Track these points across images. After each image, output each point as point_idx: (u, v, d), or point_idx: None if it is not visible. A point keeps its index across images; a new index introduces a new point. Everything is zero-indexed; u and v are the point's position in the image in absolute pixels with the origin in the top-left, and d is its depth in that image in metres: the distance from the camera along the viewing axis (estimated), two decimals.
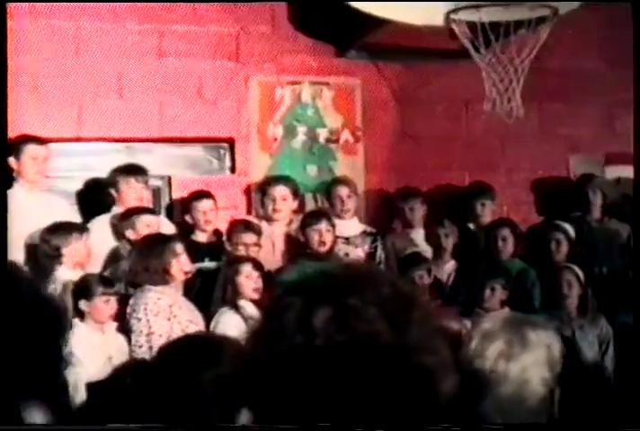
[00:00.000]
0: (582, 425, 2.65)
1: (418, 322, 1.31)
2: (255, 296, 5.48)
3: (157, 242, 5.45)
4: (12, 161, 5.87)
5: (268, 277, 5.75)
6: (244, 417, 2.64)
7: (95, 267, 5.70)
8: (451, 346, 1.41)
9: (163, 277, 5.30)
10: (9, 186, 5.86)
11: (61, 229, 5.52)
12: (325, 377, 1.27)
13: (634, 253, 5.86)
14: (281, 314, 1.32)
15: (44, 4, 6.45)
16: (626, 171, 7.11)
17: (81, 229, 5.62)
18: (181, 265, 5.39)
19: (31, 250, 5.58)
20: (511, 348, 2.31)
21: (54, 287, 5.23)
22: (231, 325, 5.34)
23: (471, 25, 5.98)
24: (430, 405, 1.32)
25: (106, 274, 5.56)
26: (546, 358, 2.33)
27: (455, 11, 5.96)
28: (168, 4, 6.67)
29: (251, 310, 5.44)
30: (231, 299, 5.49)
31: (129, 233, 5.77)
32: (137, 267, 5.38)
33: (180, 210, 6.51)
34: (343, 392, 1.27)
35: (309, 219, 6.17)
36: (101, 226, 5.93)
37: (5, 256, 4.66)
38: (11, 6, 6.33)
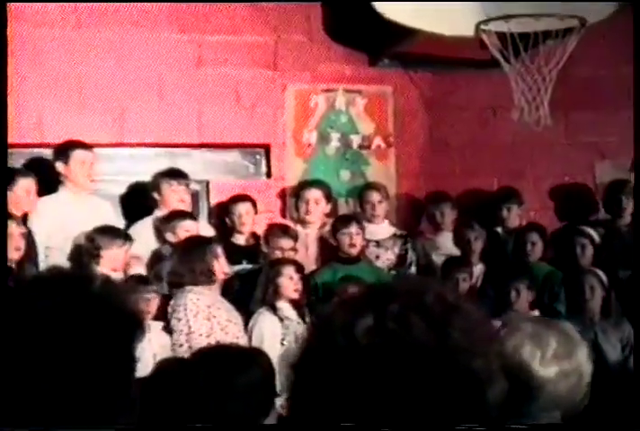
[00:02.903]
0: (604, 424, 2.66)
1: (463, 327, 1.30)
2: (295, 297, 5.55)
3: (199, 245, 5.51)
4: (59, 165, 5.97)
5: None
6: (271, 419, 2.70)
7: (136, 268, 5.74)
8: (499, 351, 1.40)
9: (209, 278, 5.36)
10: (54, 189, 6.00)
11: (108, 232, 5.61)
12: (369, 381, 1.26)
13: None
14: (328, 323, 1.32)
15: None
16: None
17: (126, 237, 5.68)
18: (221, 266, 5.44)
19: (76, 249, 5.67)
20: (567, 346, 2.33)
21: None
22: (268, 325, 5.46)
23: (500, 35, 5.98)
24: (477, 411, 1.30)
25: (145, 274, 5.64)
26: (589, 353, 2.37)
27: (485, 22, 5.95)
28: (206, 14, 6.73)
29: (288, 311, 5.53)
30: (270, 300, 5.54)
31: (169, 236, 5.84)
32: (181, 269, 5.42)
33: (218, 213, 6.58)
34: (388, 396, 1.26)
35: (339, 223, 6.20)
36: (143, 229, 6.01)
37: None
38: (58, 17, 6.45)
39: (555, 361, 2.30)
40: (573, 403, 2.31)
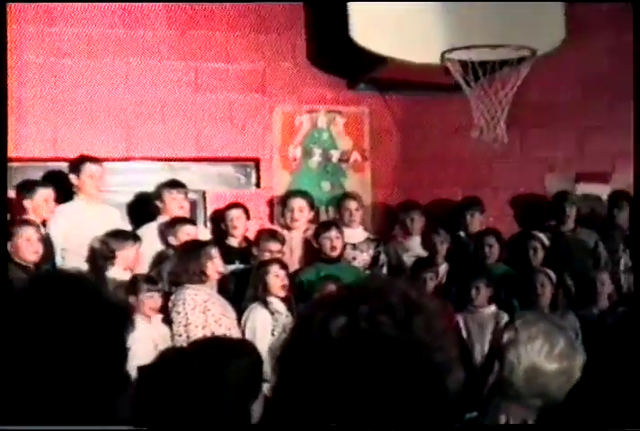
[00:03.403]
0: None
1: (424, 325, 1.28)
2: (283, 293, 5.55)
3: (195, 248, 5.50)
4: (73, 177, 5.98)
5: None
6: (257, 408, 2.68)
7: (143, 268, 5.76)
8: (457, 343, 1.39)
9: (200, 278, 5.36)
10: (69, 198, 6.00)
11: (119, 235, 5.63)
12: (342, 373, 1.25)
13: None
14: (307, 321, 1.31)
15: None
16: (593, 188, 7.15)
17: (135, 238, 5.71)
18: (215, 266, 5.44)
19: (92, 252, 5.66)
20: (570, 349, 2.35)
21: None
22: (260, 319, 5.45)
23: (463, 63, 6.04)
24: (438, 400, 1.29)
25: (151, 274, 5.61)
26: (584, 362, 2.37)
27: (449, 51, 6.00)
28: (203, 44, 6.74)
29: (277, 305, 5.52)
30: (262, 296, 5.53)
31: (172, 240, 5.85)
32: (178, 269, 5.42)
33: (214, 219, 6.55)
34: (358, 391, 1.24)
35: (321, 229, 6.21)
36: (148, 233, 5.99)
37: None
38: (69, 46, 6.38)
39: (559, 359, 2.32)
40: (555, 398, 2.33)
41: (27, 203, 5.72)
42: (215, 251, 5.47)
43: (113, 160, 6.38)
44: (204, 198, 6.78)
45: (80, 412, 1.40)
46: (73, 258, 5.63)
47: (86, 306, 1.44)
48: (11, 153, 6.16)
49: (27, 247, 5.32)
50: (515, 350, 2.37)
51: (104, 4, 6.51)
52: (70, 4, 6.44)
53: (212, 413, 2.50)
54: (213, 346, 2.82)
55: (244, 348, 2.89)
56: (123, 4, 6.56)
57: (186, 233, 5.83)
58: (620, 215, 6.89)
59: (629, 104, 6.27)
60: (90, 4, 6.48)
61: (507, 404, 2.53)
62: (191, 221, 6.16)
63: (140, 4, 6.59)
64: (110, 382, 1.45)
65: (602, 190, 7.15)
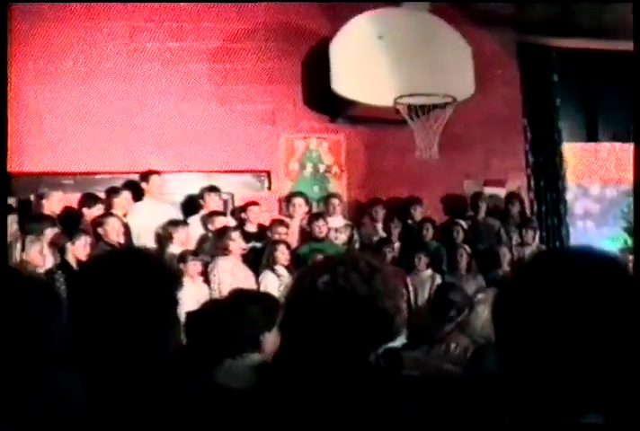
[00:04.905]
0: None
1: (382, 281, 1.29)
2: (286, 263, 5.61)
3: (222, 232, 5.59)
4: (143, 184, 6.10)
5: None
6: (269, 339, 2.49)
7: (191, 245, 5.79)
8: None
9: (224, 252, 5.45)
10: (141, 199, 6.08)
11: (174, 223, 5.71)
12: (326, 314, 1.26)
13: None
14: (302, 279, 1.34)
15: None
16: (495, 190, 7.24)
17: (184, 223, 5.79)
18: (237, 245, 5.51)
19: (157, 236, 5.79)
20: None
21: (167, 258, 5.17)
22: (270, 280, 5.51)
23: (408, 105, 6.22)
24: (388, 332, 1.29)
25: (194, 249, 5.67)
26: None
27: (399, 97, 6.21)
28: (231, 92, 6.74)
29: (282, 271, 5.59)
30: (271, 265, 5.59)
31: (210, 226, 5.91)
32: (211, 246, 5.55)
33: (239, 212, 6.51)
34: (336, 324, 1.25)
35: (313, 218, 6.26)
36: (193, 222, 6.02)
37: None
38: (143, 97, 6.35)
39: None
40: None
41: (114, 201, 5.83)
42: (235, 235, 5.53)
43: (170, 172, 6.44)
44: (232, 198, 6.78)
45: (145, 341, 1.39)
46: (144, 239, 5.70)
47: (150, 270, 1.43)
48: (101, 169, 6.34)
49: (112, 231, 5.35)
50: (484, 305, 2.44)
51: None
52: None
53: (235, 340, 2.52)
54: (238, 296, 2.81)
55: (260, 298, 2.78)
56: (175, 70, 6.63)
57: (220, 222, 5.83)
58: (513, 208, 7.02)
59: (517, 136, 6.50)
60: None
61: (461, 336, 2.64)
62: (223, 213, 6.18)
63: (188, 68, 6.66)
64: (165, 321, 1.43)
65: (501, 192, 7.24)
